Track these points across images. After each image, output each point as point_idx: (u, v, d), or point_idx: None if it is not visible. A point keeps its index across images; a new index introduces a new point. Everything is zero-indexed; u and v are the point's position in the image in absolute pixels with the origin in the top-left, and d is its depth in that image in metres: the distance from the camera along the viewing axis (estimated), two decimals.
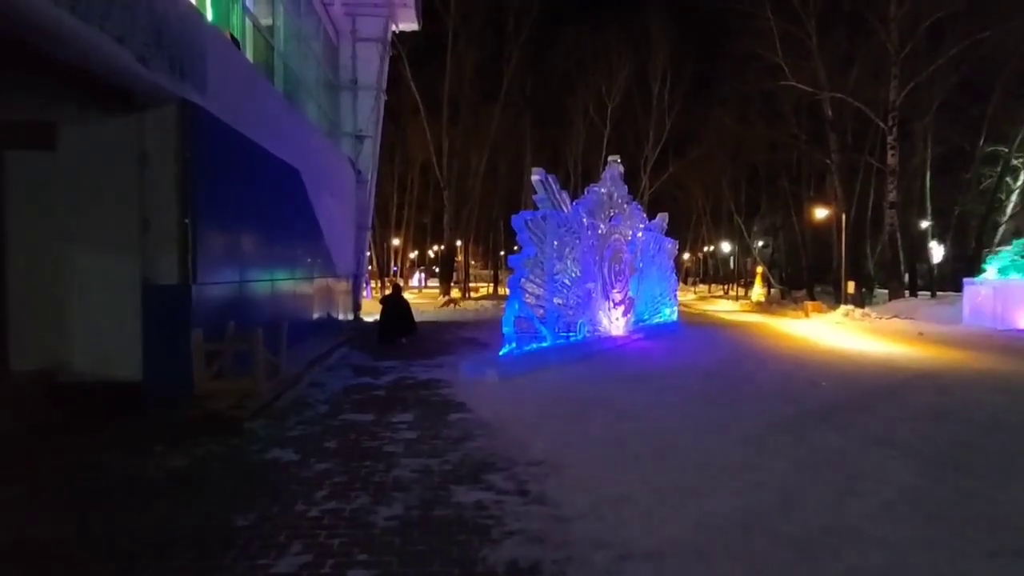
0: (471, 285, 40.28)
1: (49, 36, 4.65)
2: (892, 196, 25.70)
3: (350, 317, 15.81)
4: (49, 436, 5.48)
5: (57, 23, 4.47)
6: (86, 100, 6.21)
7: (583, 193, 12.91)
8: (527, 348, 10.04)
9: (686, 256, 63.06)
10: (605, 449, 5.50)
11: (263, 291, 8.85)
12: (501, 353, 9.70)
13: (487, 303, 26.70)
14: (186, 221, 6.43)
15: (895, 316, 20.89)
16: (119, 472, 4.74)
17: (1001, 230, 28.97)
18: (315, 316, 12.08)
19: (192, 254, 6.47)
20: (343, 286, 14.91)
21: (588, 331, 12.02)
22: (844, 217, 26.75)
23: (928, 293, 29.99)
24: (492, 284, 44.31)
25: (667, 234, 17.85)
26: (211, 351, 6.63)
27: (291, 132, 10.30)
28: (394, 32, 17.91)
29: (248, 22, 9.89)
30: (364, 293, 22.07)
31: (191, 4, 6.68)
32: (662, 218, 17.43)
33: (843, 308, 23.25)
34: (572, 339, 11.35)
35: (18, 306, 6.41)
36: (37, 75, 5.43)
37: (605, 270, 13.00)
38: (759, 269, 42.06)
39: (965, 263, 28.18)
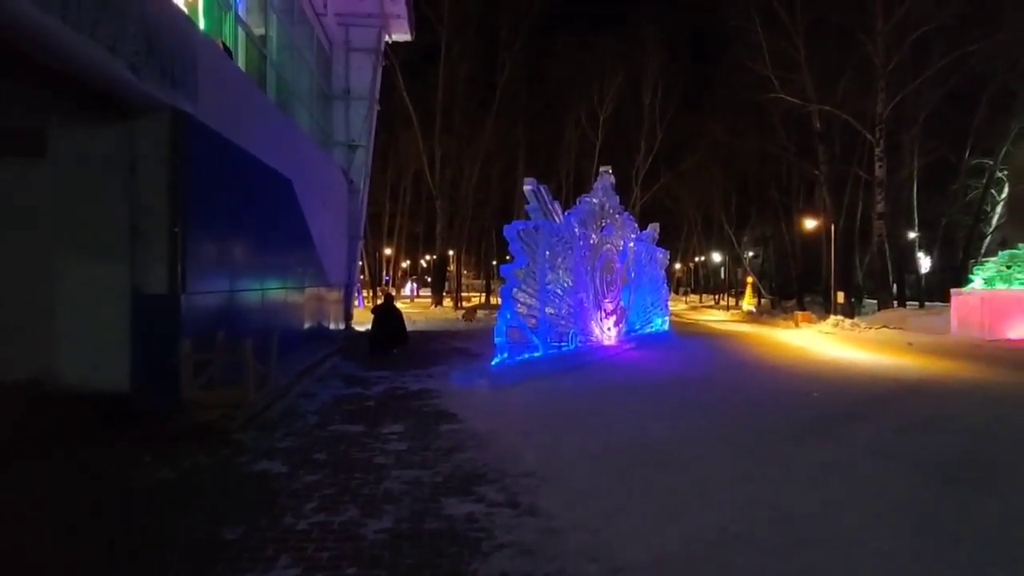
0: (463, 295, 40.23)
1: (39, 44, 4.62)
2: (880, 207, 25.95)
3: (341, 327, 15.73)
4: (35, 447, 5.39)
5: (48, 31, 4.44)
6: (76, 108, 6.17)
7: (575, 203, 12.95)
8: (519, 358, 10.02)
9: (677, 266, 63.33)
10: (597, 460, 5.47)
11: (253, 301, 8.79)
12: (493, 363, 9.67)
13: (479, 312, 26.64)
14: (176, 230, 6.38)
15: (884, 326, 21.01)
16: (106, 483, 4.67)
17: (987, 241, 29.34)
18: (306, 326, 12.00)
19: (182, 263, 6.42)
20: (335, 295, 14.84)
21: (580, 341, 12.01)
22: (833, 228, 26.99)
23: (916, 303, 30.25)
24: (484, 294, 44.31)
25: (658, 244, 17.93)
26: (200, 361, 6.57)
27: (283, 141, 10.27)
28: (387, 42, 17.99)
29: (240, 31, 9.89)
30: (356, 302, 22.00)
31: (183, 13, 6.67)
32: (653, 228, 17.51)
33: (833, 318, 23.38)
34: (564, 349, 11.34)
35: (4, 315, 6.32)
36: (27, 82, 5.39)
37: (597, 280, 13.02)
38: (749, 279, 42.26)
39: (952, 273, 28.47)
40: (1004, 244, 24.94)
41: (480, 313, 25.17)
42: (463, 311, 25.96)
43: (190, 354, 6.38)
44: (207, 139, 6.96)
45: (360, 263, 24.81)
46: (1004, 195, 29.65)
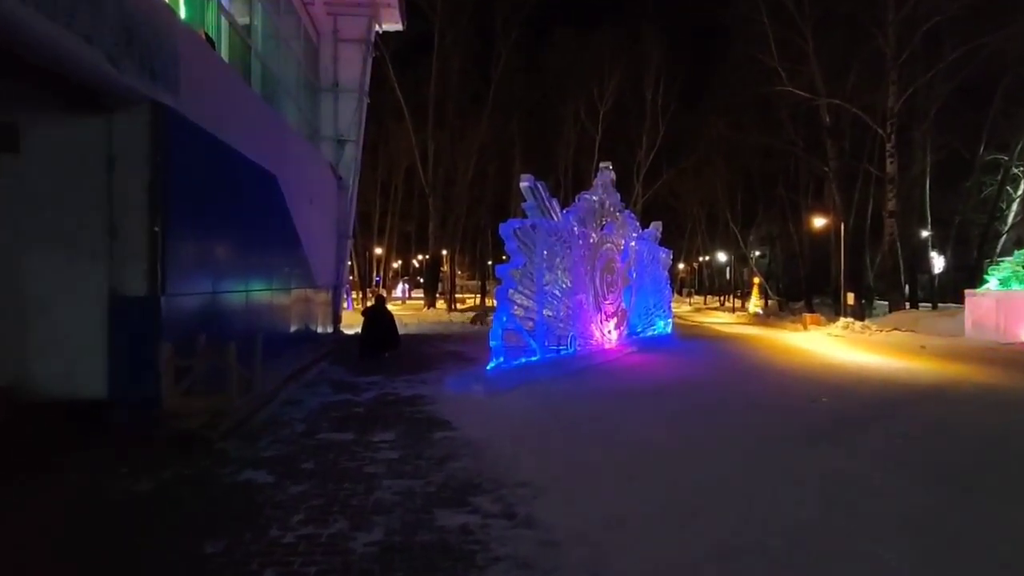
0: (457, 296, 40.23)
1: (13, 34, 4.60)
2: (891, 205, 26.05)
3: (330, 330, 15.71)
4: (5, 457, 5.36)
5: (21, 21, 4.42)
6: (52, 101, 6.15)
7: (574, 200, 12.97)
8: (515, 363, 10.03)
9: (681, 266, 63.45)
10: (597, 469, 5.48)
11: (237, 302, 8.78)
12: (488, 368, 9.67)
13: (473, 315, 26.62)
14: (156, 229, 6.36)
15: (895, 328, 21.10)
16: (81, 496, 4.65)
17: (1002, 240, 29.45)
18: (292, 329, 11.98)
19: (162, 263, 6.40)
20: (322, 297, 14.82)
21: (579, 344, 12.03)
22: (843, 226, 27.07)
23: (929, 305, 30.37)
24: (479, 295, 44.31)
25: (661, 243, 17.97)
26: (181, 366, 6.54)
27: (269, 136, 10.26)
28: (377, 33, 17.96)
29: (224, 21, 9.88)
30: (345, 304, 21.95)
31: (163, 2, 6.66)
32: (656, 227, 17.56)
33: (842, 320, 23.47)
34: (562, 353, 11.36)
35: None
36: None
37: (597, 281, 13.04)
38: (756, 280, 42.40)
39: (966, 273, 28.61)
40: (1020, 243, 25.09)
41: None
42: (473, 315, 25.85)
43: (171, 358, 6.36)
44: (189, 133, 6.95)
45: (349, 263, 24.77)
46: (1020, 192, 29.78)
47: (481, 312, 25.76)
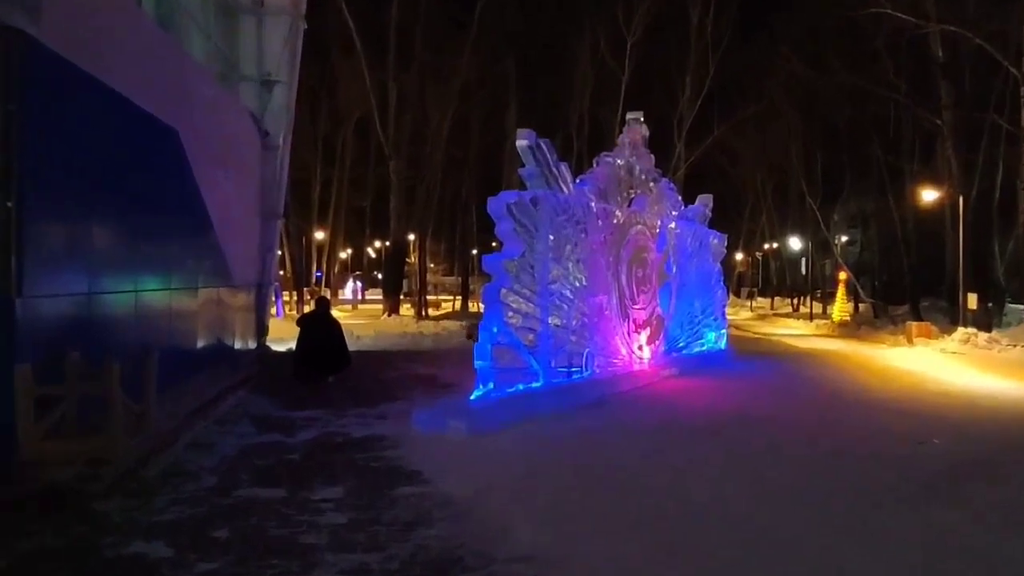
0: (430, 298, 40.27)
1: None
2: None
3: (253, 345, 15.71)
4: None
5: None
6: None
7: (591, 165, 12.99)
8: (510, 391, 10.05)
9: (738, 257, 63.62)
10: (621, 536, 5.50)
11: (123, 307, 8.77)
12: (472, 398, 9.69)
13: (452, 324, 26.71)
14: (8, 204, 6.34)
15: None
16: None
17: None
18: (200, 343, 11.97)
19: (17, 253, 6.38)
20: (242, 300, 14.81)
21: (598, 365, 12.06)
22: (961, 201, 27.14)
23: None
24: (460, 296, 44.38)
25: (712, 225, 18.01)
26: (46, 396, 6.53)
27: (166, 75, 10.25)
28: None
29: None
30: (273, 310, 21.94)
31: None
32: (704, 202, 17.59)
33: (961, 331, 23.57)
34: (575, 377, 11.39)
35: None
36: None
37: (623, 277, 13.07)
38: (842, 276, 42.53)
39: None
40: None
41: (455, 324, 25.18)
42: (466, 327, 25.45)
43: (31, 385, 6.34)
44: (55, 72, 6.92)
45: (279, 253, 24.77)
46: None
47: (475, 324, 25.41)
